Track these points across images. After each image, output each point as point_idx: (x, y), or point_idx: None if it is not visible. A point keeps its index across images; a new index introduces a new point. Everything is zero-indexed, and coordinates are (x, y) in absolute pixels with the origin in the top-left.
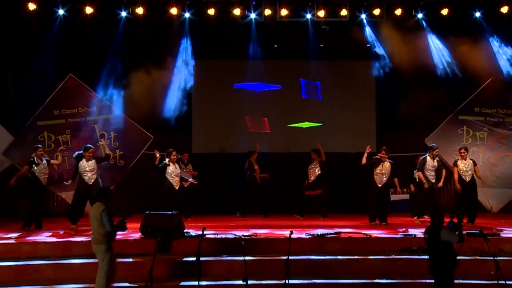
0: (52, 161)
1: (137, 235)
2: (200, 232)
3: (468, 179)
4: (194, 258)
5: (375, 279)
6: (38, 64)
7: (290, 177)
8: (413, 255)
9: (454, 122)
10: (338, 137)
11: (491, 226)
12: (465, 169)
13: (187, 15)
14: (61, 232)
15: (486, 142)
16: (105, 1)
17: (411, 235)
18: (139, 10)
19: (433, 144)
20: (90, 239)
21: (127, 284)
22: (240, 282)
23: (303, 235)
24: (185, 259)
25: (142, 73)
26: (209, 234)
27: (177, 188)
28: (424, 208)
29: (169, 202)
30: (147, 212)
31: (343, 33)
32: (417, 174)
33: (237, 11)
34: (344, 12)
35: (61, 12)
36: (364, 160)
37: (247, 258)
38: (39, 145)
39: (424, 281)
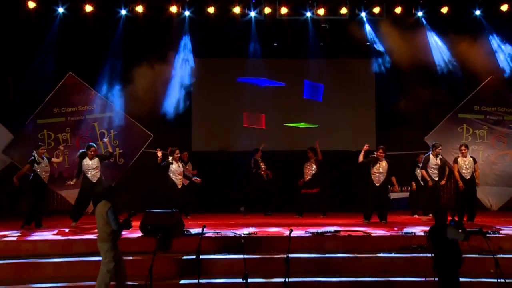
0: (53, 160)
1: (137, 235)
2: (199, 230)
3: (468, 176)
4: (194, 256)
5: (374, 277)
6: (38, 63)
7: (290, 176)
8: (413, 253)
9: (454, 120)
10: (338, 135)
11: (491, 224)
12: (465, 166)
13: (187, 13)
14: (66, 230)
15: (486, 140)
16: None
17: (410, 233)
18: (139, 8)
19: (436, 142)
20: (90, 237)
21: (127, 283)
22: (240, 280)
23: (303, 233)
24: (185, 257)
25: (142, 71)
26: (209, 232)
27: (179, 186)
28: (428, 207)
29: (172, 201)
30: (147, 210)
31: (343, 31)
32: (421, 172)
33: (237, 9)
34: (344, 10)
35: (60, 10)
36: (361, 158)
37: (246, 256)
38: (41, 144)
39: (423, 279)
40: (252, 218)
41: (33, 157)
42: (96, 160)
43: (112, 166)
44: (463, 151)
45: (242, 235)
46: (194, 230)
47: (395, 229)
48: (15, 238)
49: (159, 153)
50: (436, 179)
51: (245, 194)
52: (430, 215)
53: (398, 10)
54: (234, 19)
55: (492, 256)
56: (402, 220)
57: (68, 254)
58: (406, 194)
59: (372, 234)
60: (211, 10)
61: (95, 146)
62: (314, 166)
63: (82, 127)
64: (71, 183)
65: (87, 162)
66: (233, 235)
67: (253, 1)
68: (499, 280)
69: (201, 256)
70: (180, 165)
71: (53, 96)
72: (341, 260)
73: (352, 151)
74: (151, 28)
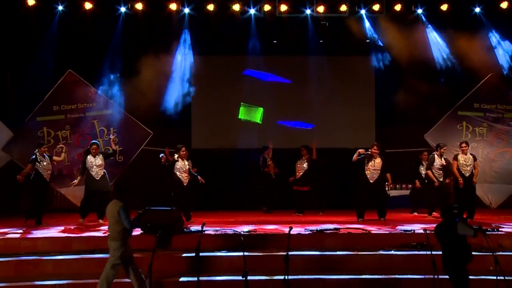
0: (54, 158)
1: (136, 233)
2: (199, 228)
3: (467, 174)
4: (193, 254)
5: (374, 274)
6: (38, 60)
7: (289, 175)
8: (412, 250)
9: (454, 118)
10: (337, 132)
11: (490, 222)
12: (465, 163)
13: (186, 10)
14: (72, 228)
15: (486, 137)
16: None
17: (409, 230)
18: (139, 6)
19: (440, 142)
20: (89, 234)
21: (127, 280)
22: (240, 277)
23: (302, 231)
24: (184, 254)
25: (141, 68)
26: (209, 230)
27: (185, 184)
28: (438, 206)
29: (177, 198)
30: (147, 207)
31: (342, 29)
32: (426, 173)
33: (236, 7)
34: (343, 8)
35: (60, 7)
36: (355, 158)
37: (246, 253)
38: (42, 142)
39: (423, 276)
40: (252, 215)
41: (34, 156)
42: (100, 157)
43: (112, 163)
44: (464, 148)
45: (242, 232)
46: (194, 228)
47: (389, 226)
48: (15, 236)
49: (163, 159)
50: (441, 179)
51: (264, 194)
52: (433, 213)
53: (397, 7)
54: (233, 16)
55: (491, 253)
56: (401, 217)
57: (68, 252)
58: (406, 192)
59: (372, 232)
60: (210, 7)
61: (97, 143)
62: (306, 164)
63: (82, 124)
64: (75, 182)
65: (90, 159)
66: (232, 232)
67: None
68: (498, 278)
69: (201, 254)
70: (186, 162)
71: (53, 94)
72: (341, 258)
73: (351, 149)
74: (150, 26)
